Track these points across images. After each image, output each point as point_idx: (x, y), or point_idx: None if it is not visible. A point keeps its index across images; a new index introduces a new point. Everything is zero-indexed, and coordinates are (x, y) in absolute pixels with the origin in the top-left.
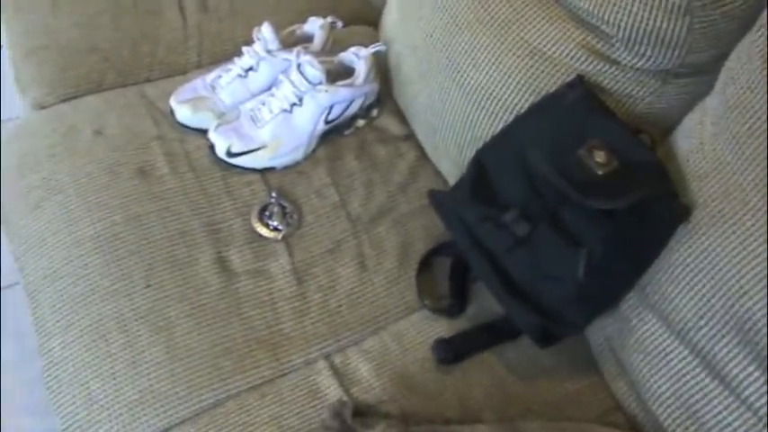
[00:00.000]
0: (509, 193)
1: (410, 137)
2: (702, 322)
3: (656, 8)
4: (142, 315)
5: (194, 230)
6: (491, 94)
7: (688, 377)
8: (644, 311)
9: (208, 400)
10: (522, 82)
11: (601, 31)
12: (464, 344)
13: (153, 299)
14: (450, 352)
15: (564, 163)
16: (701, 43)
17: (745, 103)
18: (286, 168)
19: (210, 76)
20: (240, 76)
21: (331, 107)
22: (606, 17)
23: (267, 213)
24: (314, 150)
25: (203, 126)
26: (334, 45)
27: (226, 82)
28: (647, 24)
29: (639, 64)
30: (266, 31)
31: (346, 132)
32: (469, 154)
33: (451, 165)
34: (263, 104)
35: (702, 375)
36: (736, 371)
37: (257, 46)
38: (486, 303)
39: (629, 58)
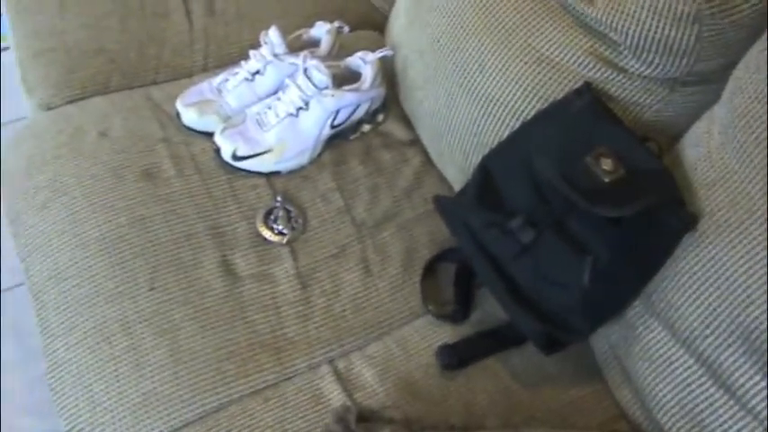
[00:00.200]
0: (515, 200)
1: (416, 142)
2: (708, 331)
3: (665, 16)
4: (146, 318)
5: (199, 233)
6: (498, 100)
7: (693, 386)
8: (649, 319)
9: (211, 403)
10: (529, 89)
11: (609, 38)
12: (468, 350)
13: (157, 301)
14: (455, 358)
15: (571, 170)
16: (710, 52)
17: (752, 113)
18: (291, 172)
19: (217, 80)
20: (247, 79)
21: (337, 112)
22: (614, 25)
23: (272, 217)
24: (319, 155)
25: (209, 129)
26: (341, 50)
27: (232, 85)
28: (655, 32)
29: (647, 72)
30: (273, 35)
31: (352, 137)
32: (475, 160)
33: (457, 171)
34: (270, 108)
35: (708, 384)
36: (741, 380)
37: (264, 50)
38: (490, 309)
39: (636, 66)
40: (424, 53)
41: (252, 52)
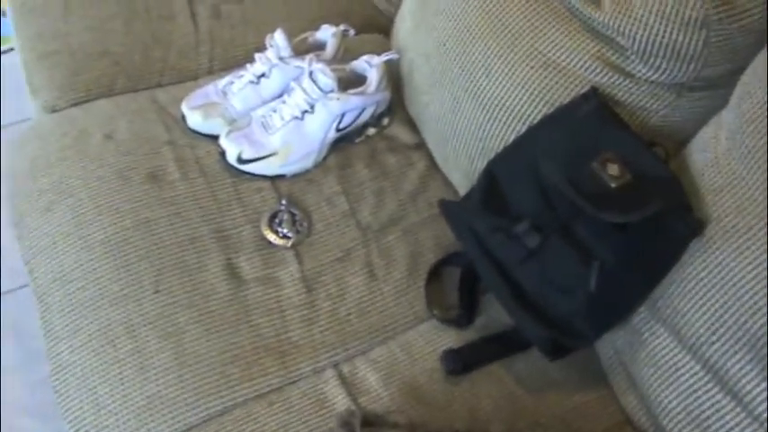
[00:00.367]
0: (521, 205)
1: (421, 146)
2: (715, 337)
3: (673, 21)
4: (151, 320)
5: (204, 236)
6: (504, 104)
7: (699, 392)
8: (655, 325)
9: (215, 407)
10: (536, 93)
11: (616, 43)
12: (473, 355)
13: (162, 304)
14: (459, 363)
15: (577, 175)
16: (717, 57)
17: (760, 119)
18: (296, 176)
19: (222, 83)
20: (252, 82)
21: (342, 115)
22: (621, 29)
23: (277, 221)
24: (324, 158)
25: (214, 132)
26: (347, 53)
27: (237, 88)
28: (662, 37)
29: (654, 77)
30: (279, 38)
31: (357, 140)
32: (480, 165)
33: (462, 175)
34: (275, 111)
35: (714, 391)
36: (748, 387)
37: (270, 53)
38: (495, 314)
39: (643, 71)
40: (429, 57)
41: (257, 55)
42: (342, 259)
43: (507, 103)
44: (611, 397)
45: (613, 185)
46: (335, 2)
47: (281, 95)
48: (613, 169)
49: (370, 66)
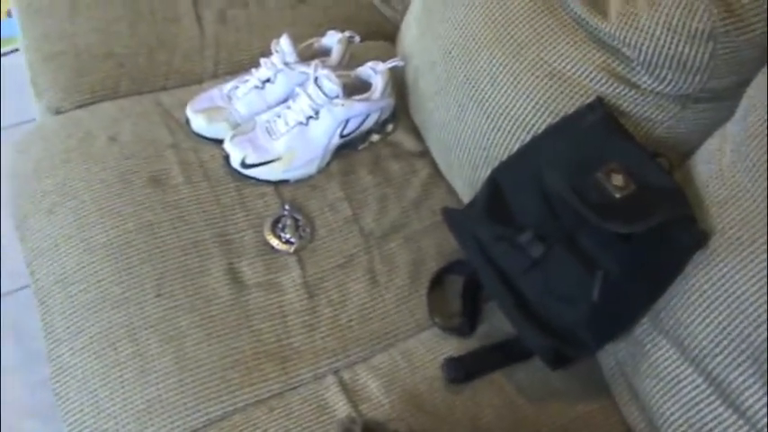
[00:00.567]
0: (524, 214)
1: (425, 153)
2: (718, 350)
3: (679, 33)
4: (152, 324)
5: (206, 241)
6: (508, 113)
7: (702, 405)
8: (658, 337)
9: (215, 412)
10: (541, 102)
11: (622, 53)
12: (475, 363)
13: (163, 308)
14: (461, 371)
15: (581, 185)
16: (723, 69)
17: (765, 132)
18: (299, 181)
19: (227, 87)
20: (257, 87)
21: (347, 121)
22: (628, 40)
23: (280, 226)
24: (328, 164)
25: (218, 136)
26: (352, 59)
27: (242, 93)
28: (669, 49)
29: (660, 88)
30: (285, 43)
31: (360, 147)
32: (484, 173)
33: (466, 183)
34: (279, 116)
35: (717, 404)
36: (751, 401)
37: (275, 58)
38: (497, 323)
39: (649, 82)
40: (435, 64)
41: (263, 60)
42: (344, 265)
43: (512, 112)
44: (613, 408)
45: (618, 196)
46: (341, 8)
47: (285, 101)
48: (618, 180)
49: (375, 72)
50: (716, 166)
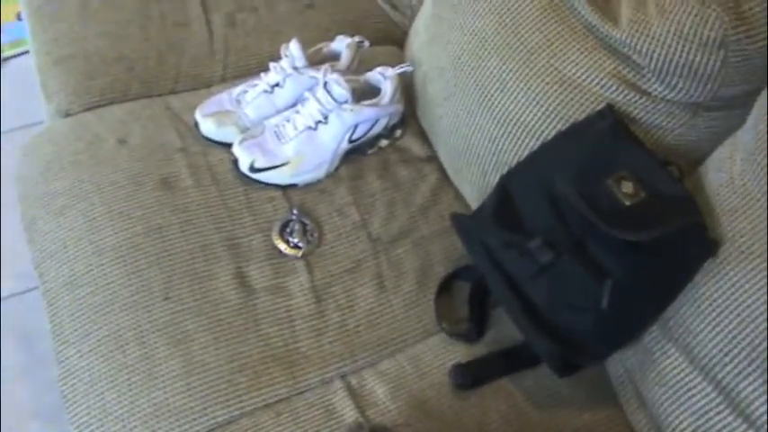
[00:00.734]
0: (533, 220)
1: (433, 159)
2: (727, 359)
3: (690, 41)
4: (160, 327)
5: (215, 244)
6: (518, 119)
7: (711, 414)
8: (667, 345)
9: (222, 416)
10: (551, 109)
11: (632, 61)
12: (482, 370)
13: (171, 311)
14: (468, 377)
15: (591, 192)
16: (734, 77)
17: None
18: (308, 186)
19: (236, 91)
20: (266, 91)
21: (356, 126)
22: (639, 47)
23: (288, 230)
24: (336, 169)
25: (227, 140)
26: (361, 64)
27: (251, 97)
28: (680, 56)
29: (670, 95)
30: (294, 47)
31: (369, 152)
32: (493, 179)
33: (474, 189)
34: (288, 121)
35: (726, 413)
36: (761, 410)
37: (284, 62)
38: (504, 329)
39: (660, 90)
40: (444, 70)
41: (272, 64)
42: (352, 270)
43: (522, 119)
44: (621, 416)
45: (627, 203)
46: (350, 13)
47: (294, 105)
48: (628, 187)
49: (385, 77)
50: (726, 175)
